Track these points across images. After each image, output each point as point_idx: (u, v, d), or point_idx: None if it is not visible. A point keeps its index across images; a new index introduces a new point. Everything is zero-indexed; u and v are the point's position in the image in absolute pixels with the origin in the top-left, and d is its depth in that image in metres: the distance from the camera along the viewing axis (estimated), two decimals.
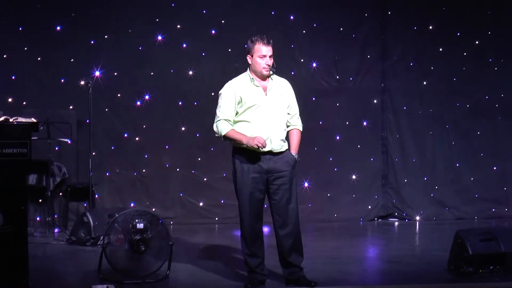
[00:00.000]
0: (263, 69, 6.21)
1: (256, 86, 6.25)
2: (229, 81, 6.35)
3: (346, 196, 10.79)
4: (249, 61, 6.26)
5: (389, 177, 10.99)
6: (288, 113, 6.37)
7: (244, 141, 6.09)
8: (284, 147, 6.30)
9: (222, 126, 6.20)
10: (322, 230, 9.83)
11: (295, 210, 6.31)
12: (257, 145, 6.01)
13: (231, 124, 6.21)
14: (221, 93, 6.30)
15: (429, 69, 11.04)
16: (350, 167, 10.82)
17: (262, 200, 6.29)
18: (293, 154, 6.32)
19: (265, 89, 6.26)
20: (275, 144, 6.22)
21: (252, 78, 6.26)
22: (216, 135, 6.30)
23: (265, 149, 6.18)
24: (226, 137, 6.22)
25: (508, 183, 11.14)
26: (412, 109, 11.02)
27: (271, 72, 6.27)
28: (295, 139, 6.39)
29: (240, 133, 6.16)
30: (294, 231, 6.30)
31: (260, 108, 6.19)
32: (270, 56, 6.20)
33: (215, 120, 6.26)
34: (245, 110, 6.20)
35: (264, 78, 6.27)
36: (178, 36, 10.32)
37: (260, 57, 6.19)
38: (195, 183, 10.43)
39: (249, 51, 6.25)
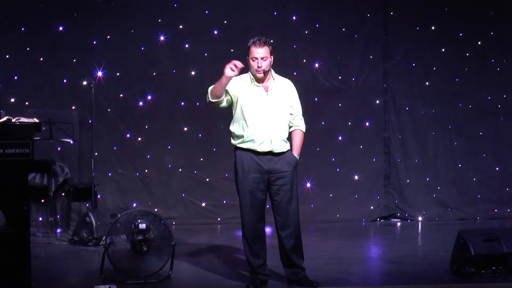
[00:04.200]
0: (256, 72, 6.20)
1: (257, 86, 6.25)
2: (234, 78, 6.35)
3: (349, 197, 10.80)
4: (247, 62, 6.28)
5: (391, 177, 11.00)
6: (290, 114, 6.36)
7: (224, 79, 6.02)
8: (286, 147, 6.30)
9: (210, 87, 6.20)
10: (324, 230, 9.83)
11: (296, 210, 6.31)
12: (231, 68, 5.94)
13: None
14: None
15: (431, 69, 11.04)
16: (352, 167, 10.82)
17: (264, 201, 6.29)
18: (295, 155, 6.32)
19: (266, 89, 6.26)
20: (276, 144, 6.21)
21: (253, 78, 6.26)
22: (208, 100, 6.24)
23: (266, 149, 6.19)
24: (212, 94, 6.16)
25: (511, 183, 11.14)
26: (414, 110, 11.02)
27: (271, 73, 6.27)
28: (298, 140, 6.39)
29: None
30: (295, 232, 6.30)
31: (260, 108, 6.19)
32: (262, 58, 6.16)
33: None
34: (245, 110, 6.20)
35: (259, 80, 6.26)
36: (181, 36, 10.33)
37: (252, 60, 6.19)
38: (197, 184, 10.43)
39: (247, 53, 6.26)
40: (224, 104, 6.25)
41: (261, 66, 6.17)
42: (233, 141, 6.33)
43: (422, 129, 11.04)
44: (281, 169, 6.23)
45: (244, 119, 6.20)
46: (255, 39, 6.20)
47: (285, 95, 6.31)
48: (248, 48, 6.21)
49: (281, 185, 6.24)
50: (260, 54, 6.16)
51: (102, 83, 9.93)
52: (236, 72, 6.00)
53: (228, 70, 5.99)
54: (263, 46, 6.16)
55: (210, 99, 6.22)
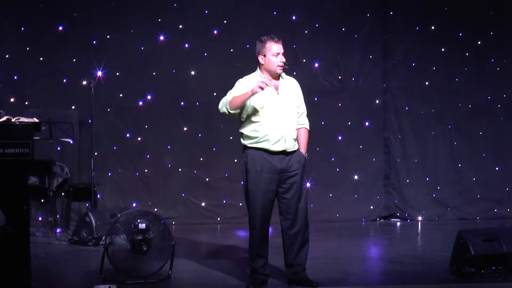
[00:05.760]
0: (278, 67, 6.21)
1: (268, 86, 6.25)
2: (244, 78, 6.32)
3: (348, 196, 10.79)
4: (262, 61, 6.24)
5: (391, 177, 11.00)
6: (297, 112, 6.38)
7: (250, 93, 5.99)
8: (296, 146, 6.31)
9: (226, 98, 6.15)
10: (324, 230, 9.82)
11: (305, 208, 6.32)
12: (260, 87, 5.92)
13: None
14: (237, 85, 6.25)
15: (431, 69, 11.04)
16: (352, 167, 10.82)
17: (273, 201, 6.28)
18: (302, 152, 6.33)
19: (276, 88, 6.26)
20: (289, 143, 6.22)
21: (264, 78, 6.25)
22: (223, 111, 6.18)
23: (280, 149, 6.19)
24: (231, 105, 6.10)
25: (510, 183, 11.14)
26: (414, 109, 11.02)
27: (283, 71, 6.28)
28: (304, 138, 6.39)
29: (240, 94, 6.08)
30: (302, 229, 6.30)
31: (273, 108, 6.19)
32: (282, 54, 6.22)
33: (222, 100, 6.20)
34: (258, 110, 6.19)
35: (276, 77, 6.27)
36: (180, 36, 10.33)
37: (274, 55, 6.19)
38: (197, 183, 10.43)
39: (259, 52, 6.24)
40: (238, 112, 6.22)
41: (284, 61, 6.19)
42: (243, 141, 6.30)
43: (422, 129, 11.04)
44: (293, 167, 6.24)
45: (258, 120, 6.19)
46: (270, 36, 6.22)
47: (294, 94, 6.34)
48: (263, 46, 6.19)
49: (292, 183, 6.24)
50: (281, 49, 6.21)
51: (102, 83, 9.93)
52: (264, 89, 5.96)
53: (258, 88, 5.94)
54: (280, 41, 6.22)
55: (229, 111, 6.14)
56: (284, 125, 6.21)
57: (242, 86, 6.22)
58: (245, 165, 6.26)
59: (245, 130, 6.27)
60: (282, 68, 6.23)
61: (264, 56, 6.23)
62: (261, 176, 6.18)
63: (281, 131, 6.19)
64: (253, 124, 6.22)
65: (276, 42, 6.20)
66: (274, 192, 6.25)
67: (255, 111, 6.19)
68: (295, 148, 6.30)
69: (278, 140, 6.18)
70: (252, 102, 6.19)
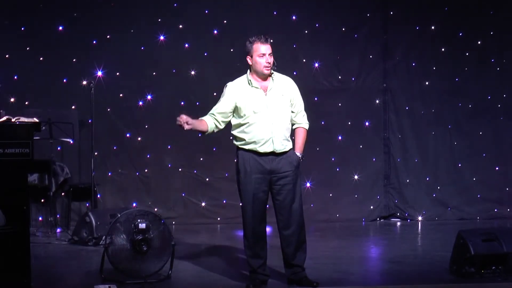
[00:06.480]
0: (264, 68, 6.19)
1: (255, 88, 6.24)
2: (230, 83, 6.34)
3: (348, 196, 10.79)
4: (249, 62, 6.25)
5: (391, 177, 11.00)
6: (292, 111, 6.35)
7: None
8: (288, 146, 6.29)
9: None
10: (324, 230, 9.83)
11: (299, 210, 6.30)
12: (182, 127, 6.07)
13: (213, 118, 6.29)
14: (223, 92, 6.31)
15: (431, 69, 11.03)
16: (352, 167, 10.82)
17: (266, 201, 6.29)
18: (297, 153, 6.31)
19: (265, 90, 6.25)
20: (278, 144, 6.21)
21: (250, 80, 6.25)
22: None
23: (268, 150, 6.19)
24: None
25: (510, 183, 11.14)
26: (414, 109, 11.02)
27: (272, 71, 6.27)
28: (300, 138, 6.37)
29: (197, 123, 6.24)
30: (297, 231, 6.29)
31: (260, 110, 6.19)
32: (269, 54, 6.18)
33: None
34: (245, 112, 6.20)
35: (265, 78, 6.26)
36: (180, 36, 10.33)
37: (260, 56, 6.18)
38: (197, 183, 10.44)
39: (248, 52, 6.24)
40: (221, 127, 6.36)
41: (270, 62, 6.17)
42: (235, 142, 6.35)
43: (422, 129, 11.04)
44: (283, 169, 6.23)
45: (245, 122, 6.20)
46: (258, 36, 6.20)
47: (284, 94, 6.29)
48: (251, 46, 6.19)
49: (284, 184, 6.24)
50: (267, 50, 6.17)
51: (102, 83, 9.93)
52: (189, 126, 6.12)
53: (185, 126, 6.11)
54: (267, 42, 6.19)
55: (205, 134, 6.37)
56: (271, 126, 6.19)
57: (229, 94, 6.25)
58: (236, 166, 6.30)
59: (235, 132, 6.32)
60: (269, 68, 6.20)
61: (251, 57, 6.22)
62: (251, 177, 6.20)
63: (268, 133, 6.18)
64: (241, 126, 6.25)
65: (262, 42, 6.17)
66: (265, 193, 6.25)
67: (242, 113, 6.20)
68: (286, 149, 6.27)
69: (266, 142, 6.18)
70: (239, 105, 6.21)
